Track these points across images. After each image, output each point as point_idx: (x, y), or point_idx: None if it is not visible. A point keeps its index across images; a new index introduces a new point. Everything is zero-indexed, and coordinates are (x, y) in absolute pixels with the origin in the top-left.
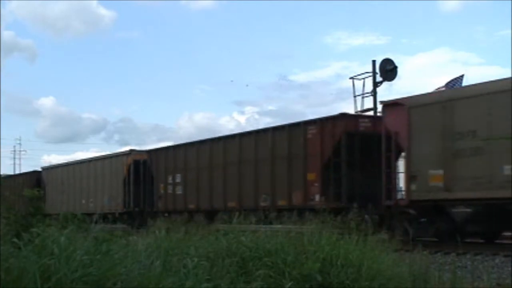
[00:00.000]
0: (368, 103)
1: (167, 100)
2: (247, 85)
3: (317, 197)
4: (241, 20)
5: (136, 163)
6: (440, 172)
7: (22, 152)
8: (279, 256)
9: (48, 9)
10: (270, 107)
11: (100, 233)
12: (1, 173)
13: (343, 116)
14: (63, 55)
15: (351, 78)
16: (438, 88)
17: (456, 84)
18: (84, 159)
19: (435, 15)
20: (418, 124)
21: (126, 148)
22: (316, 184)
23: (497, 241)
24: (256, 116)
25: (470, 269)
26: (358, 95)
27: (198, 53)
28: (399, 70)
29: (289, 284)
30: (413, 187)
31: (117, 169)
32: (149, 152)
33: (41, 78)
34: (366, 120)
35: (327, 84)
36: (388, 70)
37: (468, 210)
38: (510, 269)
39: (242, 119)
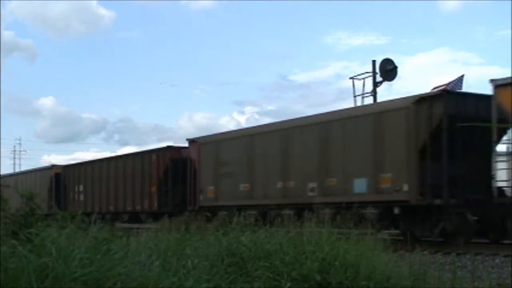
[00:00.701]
0: (368, 103)
1: (167, 100)
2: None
3: (156, 204)
4: (241, 20)
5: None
6: (212, 187)
7: (22, 152)
8: (278, 256)
9: (48, 9)
10: (270, 107)
11: (99, 233)
12: (2, 173)
13: (169, 148)
14: (63, 55)
15: (351, 78)
16: (436, 87)
17: (457, 85)
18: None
19: (435, 15)
20: (204, 155)
21: (126, 148)
22: (155, 195)
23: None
24: (256, 116)
25: (470, 269)
26: (358, 95)
27: (198, 53)
28: (399, 70)
29: (288, 284)
30: (201, 197)
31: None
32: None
33: (41, 78)
34: (185, 150)
35: (327, 84)
36: (388, 70)
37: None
38: (510, 269)
39: (242, 119)
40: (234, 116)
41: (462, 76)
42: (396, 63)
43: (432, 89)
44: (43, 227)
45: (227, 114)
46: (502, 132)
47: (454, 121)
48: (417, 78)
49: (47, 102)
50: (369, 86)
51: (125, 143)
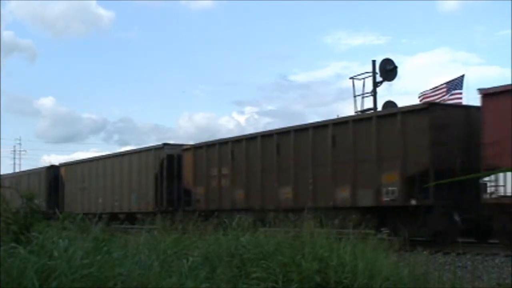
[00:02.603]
0: (368, 103)
1: (167, 100)
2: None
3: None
4: (241, 20)
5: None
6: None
7: (22, 152)
8: (276, 257)
9: (47, 9)
10: (269, 107)
11: (100, 234)
12: (2, 173)
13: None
14: (62, 55)
15: (351, 78)
16: (436, 87)
17: (457, 85)
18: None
19: (435, 15)
20: (67, 176)
21: (126, 148)
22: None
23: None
24: (256, 116)
25: (470, 269)
26: (358, 95)
27: (198, 53)
28: (399, 70)
29: (286, 285)
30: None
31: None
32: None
33: (41, 78)
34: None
35: (327, 84)
36: (388, 70)
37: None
38: (510, 269)
39: (242, 119)
40: (234, 116)
41: (462, 76)
42: (396, 63)
43: (432, 89)
44: (43, 228)
45: (227, 114)
46: None
47: None
48: (417, 78)
49: (47, 102)
50: (369, 86)
51: (125, 143)
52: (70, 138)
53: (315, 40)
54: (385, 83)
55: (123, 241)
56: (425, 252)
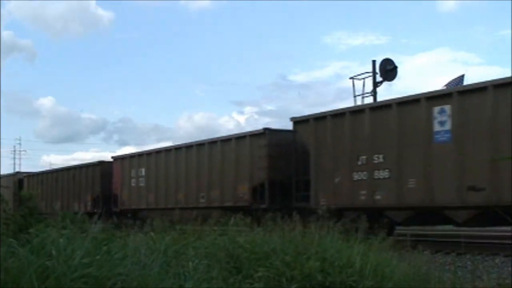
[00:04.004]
0: (369, 102)
1: (166, 100)
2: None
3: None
4: (241, 20)
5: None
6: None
7: (22, 152)
8: (278, 257)
9: (46, 9)
10: (269, 107)
11: (99, 233)
12: (2, 173)
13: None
14: (62, 56)
15: (351, 78)
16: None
17: (457, 84)
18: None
19: (435, 15)
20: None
21: (126, 148)
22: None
23: (497, 241)
24: (256, 116)
25: (470, 269)
26: (358, 95)
27: (197, 53)
28: (399, 70)
29: (289, 284)
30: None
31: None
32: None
33: (41, 78)
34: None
35: (326, 84)
36: (388, 70)
37: None
38: (510, 269)
39: (241, 119)
40: (233, 116)
41: (463, 76)
42: (396, 63)
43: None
44: (42, 228)
45: (226, 114)
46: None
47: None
48: (417, 78)
49: (46, 102)
50: (369, 86)
51: (124, 143)
52: (70, 138)
53: (314, 40)
54: (385, 83)
55: (123, 241)
56: (425, 252)
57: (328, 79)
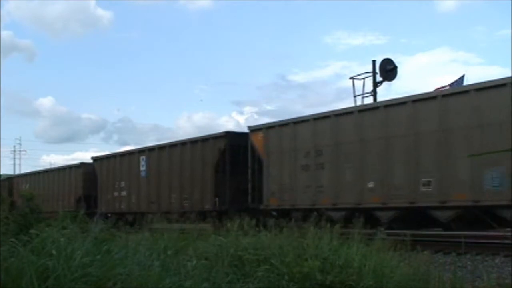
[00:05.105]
0: (369, 102)
1: (166, 100)
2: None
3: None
4: (240, 20)
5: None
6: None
7: (22, 152)
8: (278, 257)
9: (46, 9)
10: (269, 107)
11: (100, 233)
12: (1, 173)
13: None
14: (61, 56)
15: (351, 78)
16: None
17: (457, 85)
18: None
19: (435, 15)
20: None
21: (125, 148)
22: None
23: (498, 241)
24: (255, 116)
25: (470, 269)
26: (358, 95)
27: (197, 53)
28: (399, 70)
29: (289, 284)
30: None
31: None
32: None
33: (40, 78)
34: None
35: (326, 84)
36: (388, 70)
37: None
38: (510, 269)
39: (241, 119)
40: (233, 116)
41: (463, 76)
42: (396, 63)
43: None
44: (43, 228)
45: (226, 114)
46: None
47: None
48: (417, 78)
49: (46, 102)
50: (369, 86)
51: (124, 143)
52: (70, 138)
53: (314, 40)
54: (385, 83)
55: (123, 241)
56: (425, 252)
57: (328, 79)
